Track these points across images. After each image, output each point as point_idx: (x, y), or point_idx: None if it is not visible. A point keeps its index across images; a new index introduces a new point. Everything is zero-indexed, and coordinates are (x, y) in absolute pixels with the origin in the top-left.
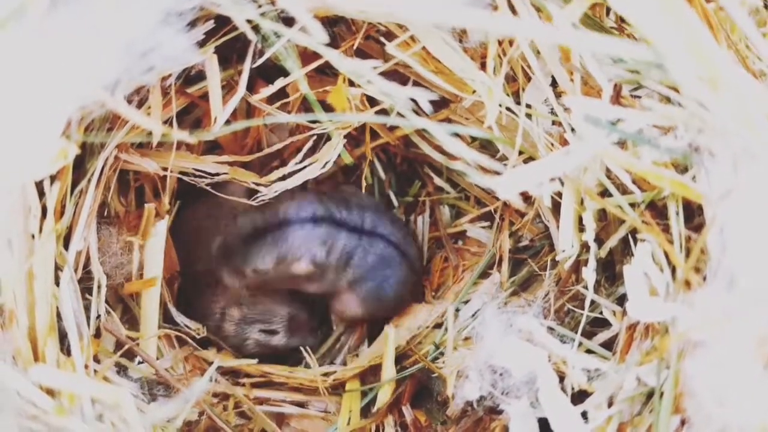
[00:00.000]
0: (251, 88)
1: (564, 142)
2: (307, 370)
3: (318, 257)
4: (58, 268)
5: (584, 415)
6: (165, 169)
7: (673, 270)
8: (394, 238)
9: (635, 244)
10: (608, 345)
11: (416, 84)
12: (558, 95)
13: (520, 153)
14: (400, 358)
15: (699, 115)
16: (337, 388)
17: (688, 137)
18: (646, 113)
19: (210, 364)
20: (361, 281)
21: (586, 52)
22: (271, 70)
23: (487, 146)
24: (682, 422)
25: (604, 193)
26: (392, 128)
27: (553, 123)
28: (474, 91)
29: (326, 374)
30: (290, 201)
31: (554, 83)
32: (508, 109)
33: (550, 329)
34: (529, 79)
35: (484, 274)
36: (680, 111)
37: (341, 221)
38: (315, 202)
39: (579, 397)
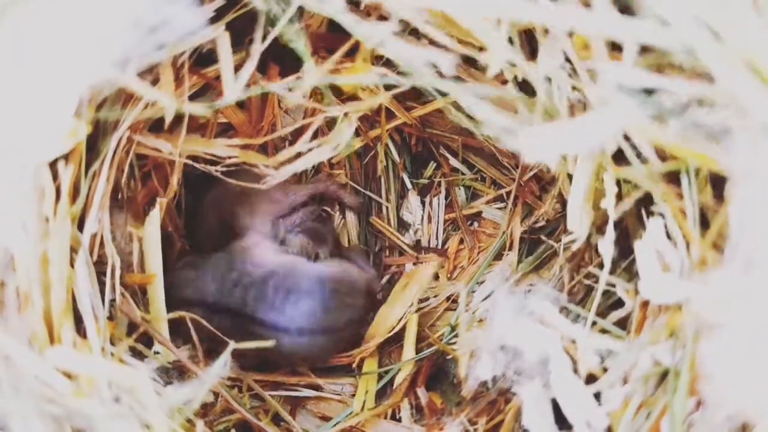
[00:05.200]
0: (264, 70)
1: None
2: None
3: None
4: (72, 251)
5: (597, 396)
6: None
7: (688, 246)
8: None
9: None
10: (624, 325)
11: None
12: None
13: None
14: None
15: (729, 90)
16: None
17: (718, 113)
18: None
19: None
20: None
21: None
22: (283, 54)
23: None
24: (698, 404)
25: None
26: (409, 109)
27: (574, 89)
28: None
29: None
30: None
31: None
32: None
33: (565, 309)
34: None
35: (499, 256)
36: (710, 86)
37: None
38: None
39: (594, 378)
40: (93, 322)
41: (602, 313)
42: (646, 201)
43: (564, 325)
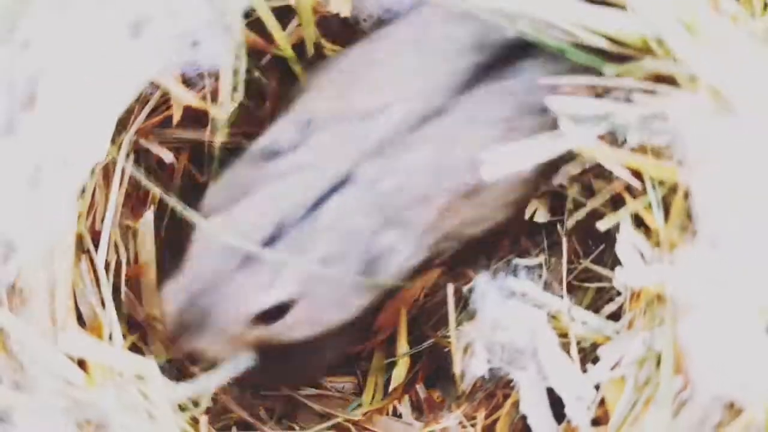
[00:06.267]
0: None
1: None
2: None
3: None
4: (78, 246)
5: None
6: (177, 148)
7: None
8: None
9: None
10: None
11: None
12: None
13: None
14: (418, 340)
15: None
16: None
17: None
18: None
19: None
20: None
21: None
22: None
23: None
24: (685, 385)
25: None
26: None
27: None
28: None
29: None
30: None
31: None
32: None
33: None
34: None
35: None
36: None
37: None
38: None
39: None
40: (101, 315)
41: (595, 310)
42: None
43: (548, 299)
